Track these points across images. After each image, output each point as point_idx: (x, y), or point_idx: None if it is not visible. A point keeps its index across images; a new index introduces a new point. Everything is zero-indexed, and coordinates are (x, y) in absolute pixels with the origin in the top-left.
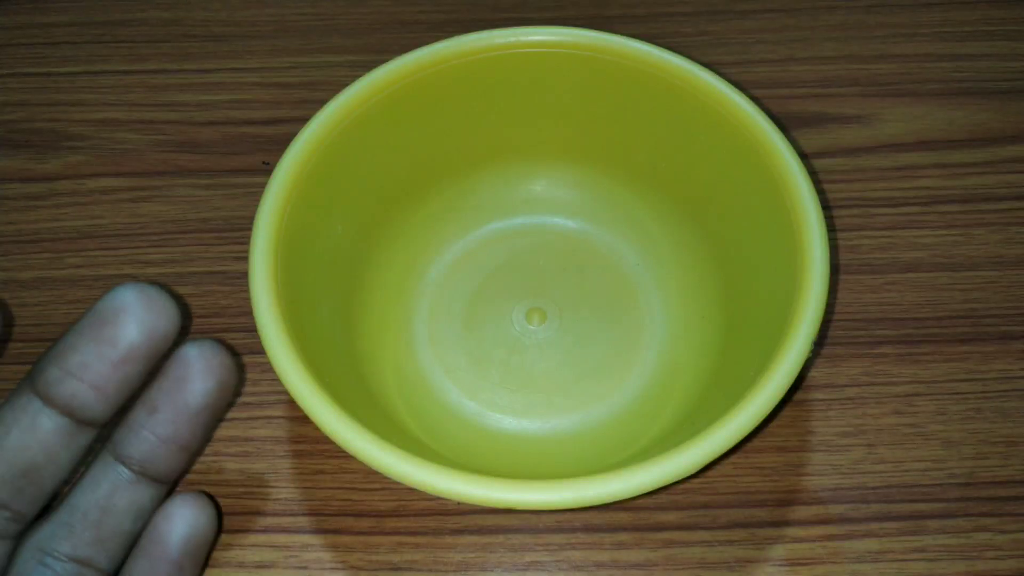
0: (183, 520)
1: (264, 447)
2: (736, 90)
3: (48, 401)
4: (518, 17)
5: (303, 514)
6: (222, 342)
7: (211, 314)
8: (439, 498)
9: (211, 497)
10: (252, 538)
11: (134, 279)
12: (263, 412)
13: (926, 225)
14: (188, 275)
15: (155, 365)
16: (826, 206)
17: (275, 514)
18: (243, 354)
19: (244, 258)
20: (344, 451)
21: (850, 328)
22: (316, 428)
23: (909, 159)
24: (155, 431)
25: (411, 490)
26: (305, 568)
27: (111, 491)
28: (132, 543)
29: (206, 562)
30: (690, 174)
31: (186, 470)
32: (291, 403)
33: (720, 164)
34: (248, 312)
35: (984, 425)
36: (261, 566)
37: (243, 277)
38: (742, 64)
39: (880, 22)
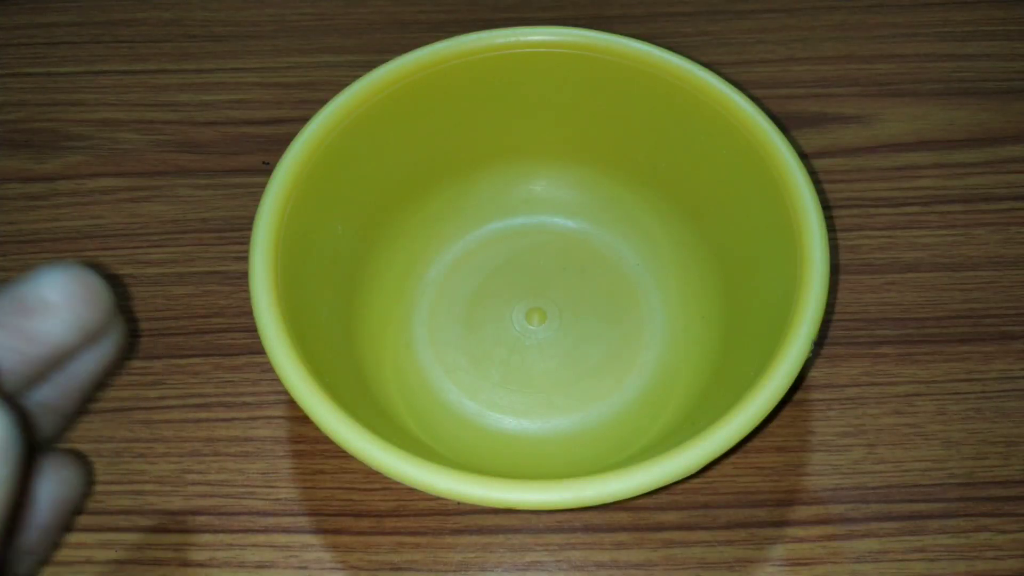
0: (54, 482)
1: (264, 447)
2: (736, 90)
3: None
4: (518, 17)
5: (303, 514)
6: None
7: (211, 314)
8: (439, 498)
9: (80, 454)
10: (252, 538)
11: (134, 279)
12: (263, 412)
13: (926, 225)
14: (188, 275)
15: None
16: (826, 206)
17: (275, 514)
18: (243, 354)
19: (244, 258)
20: (344, 451)
21: (850, 328)
22: (316, 428)
23: (909, 159)
24: (39, 399)
25: (411, 490)
26: (305, 568)
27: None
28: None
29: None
30: (690, 174)
31: (59, 438)
32: (291, 403)
33: (720, 164)
34: (248, 312)
35: (984, 425)
36: (261, 566)
37: (243, 277)
38: (742, 64)
39: (880, 22)
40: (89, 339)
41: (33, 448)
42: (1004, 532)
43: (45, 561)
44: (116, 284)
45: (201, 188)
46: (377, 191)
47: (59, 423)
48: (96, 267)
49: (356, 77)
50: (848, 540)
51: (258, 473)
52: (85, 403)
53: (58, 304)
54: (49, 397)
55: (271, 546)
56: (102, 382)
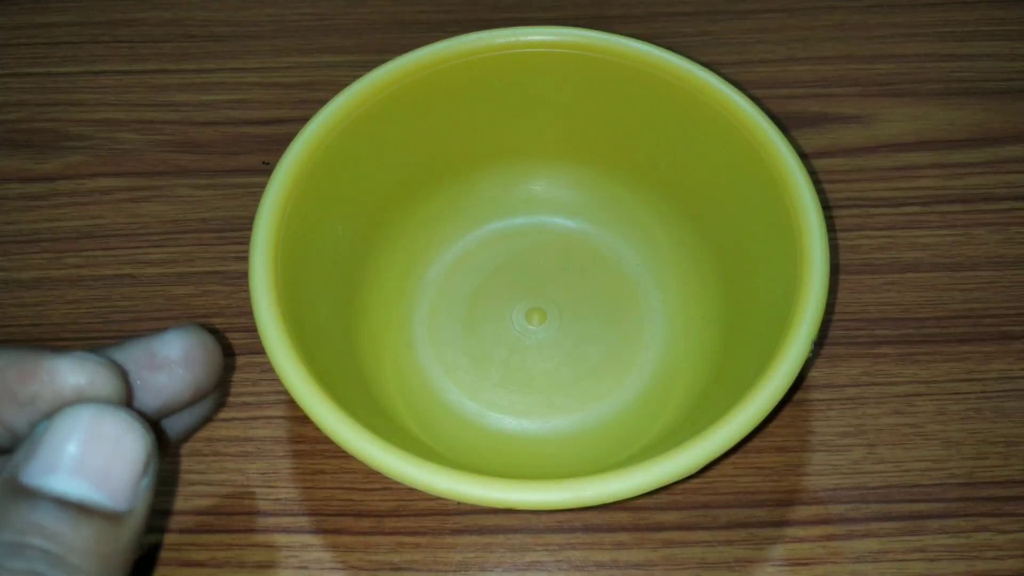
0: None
1: (264, 447)
2: (736, 90)
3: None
4: (518, 17)
5: (303, 514)
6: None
7: (211, 314)
8: (439, 498)
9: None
10: (252, 538)
11: (134, 279)
12: (263, 412)
13: (926, 225)
14: (188, 275)
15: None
16: (826, 206)
17: (275, 514)
18: (243, 354)
19: (244, 258)
20: (344, 451)
21: (850, 328)
22: (316, 428)
23: (909, 159)
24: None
25: (411, 490)
26: (305, 568)
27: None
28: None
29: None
30: (690, 174)
31: None
32: (291, 403)
33: (720, 164)
34: (248, 312)
35: (984, 425)
36: (261, 566)
37: (243, 277)
38: (742, 64)
39: (880, 22)
40: (198, 398)
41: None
42: (1004, 532)
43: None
44: (226, 349)
45: (201, 188)
46: (377, 191)
47: None
48: (216, 333)
49: (356, 77)
50: (848, 540)
51: (258, 473)
52: (173, 448)
53: (181, 364)
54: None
55: (271, 546)
56: (191, 435)
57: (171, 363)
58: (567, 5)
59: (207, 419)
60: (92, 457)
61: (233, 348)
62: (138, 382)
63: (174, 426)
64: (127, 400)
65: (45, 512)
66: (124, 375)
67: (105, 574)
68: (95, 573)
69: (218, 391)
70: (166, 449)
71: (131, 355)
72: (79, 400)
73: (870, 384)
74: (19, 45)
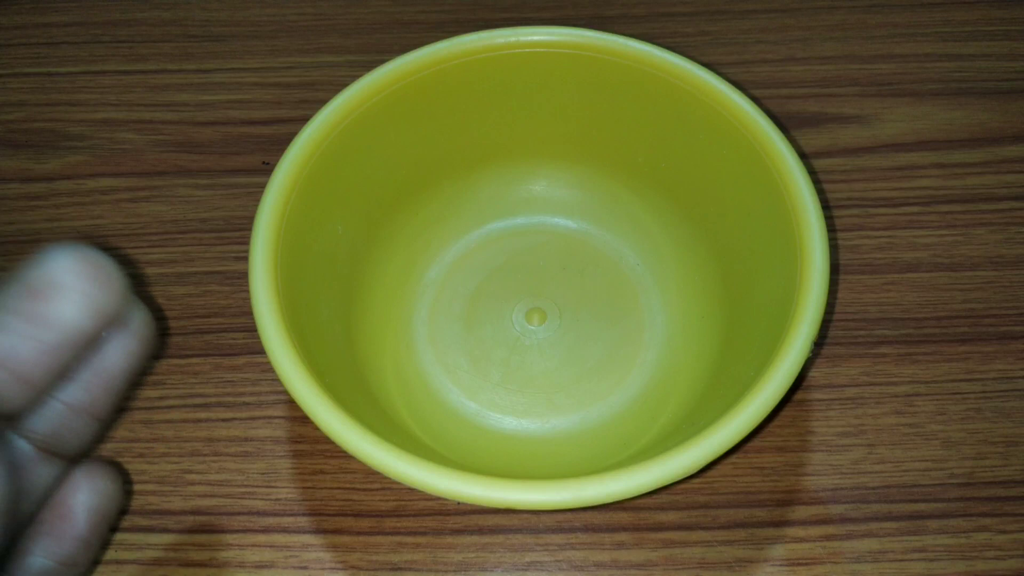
0: (91, 492)
1: (264, 447)
2: (736, 90)
3: None
4: (518, 17)
5: (303, 514)
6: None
7: (211, 314)
8: (439, 498)
9: (115, 463)
10: (252, 538)
11: (134, 279)
12: (263, 412)
13: (926, 225)
14: (188, 275)
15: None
16: (826, 206)
17: (275, 514)
18: (243, 354)
19: (244, 258)
20: (344, 451)
21: (850, 328)
22: (316, 428)
23: (909, 159)
24: (68, 399)
25: (411, 490)
26: (305, 568)
27: (8, 472)
28: (27, 524)
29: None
30: (690, 174)
31: (95, 445)
32: (291, 403)
33: (720, 164)
34: (248, 312)
35: (984, 425)
36: (261, 566)
37: (243, 277)
38: (742, 64)
39: (880, 22)
40: (106, 322)
41: (18, 479)
42: (1004, 532)
43: (87, 573)
44: (136, 272)
45: (201, 188)
46: (377, 191)
47: (93, 427)
48: (109, 251)
49: (356, 77)
50: (848, 540)
51: (258, 473)
52: (118, 404)
53: (67, 284)
54: (78, 397)
55: (271, 546)
56: (133, 379)
57: (54, 286)
58: (567, 5)
59: (142, 357)
60: None
61: (233, 349)
62: (24, 319)
63: (104, 369)
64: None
65: None
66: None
67: None
68: None
69: (137, 319)
70: (102, 411)
71: (11, 291)
72: None
73: (870, 384)
74: (19, 45)
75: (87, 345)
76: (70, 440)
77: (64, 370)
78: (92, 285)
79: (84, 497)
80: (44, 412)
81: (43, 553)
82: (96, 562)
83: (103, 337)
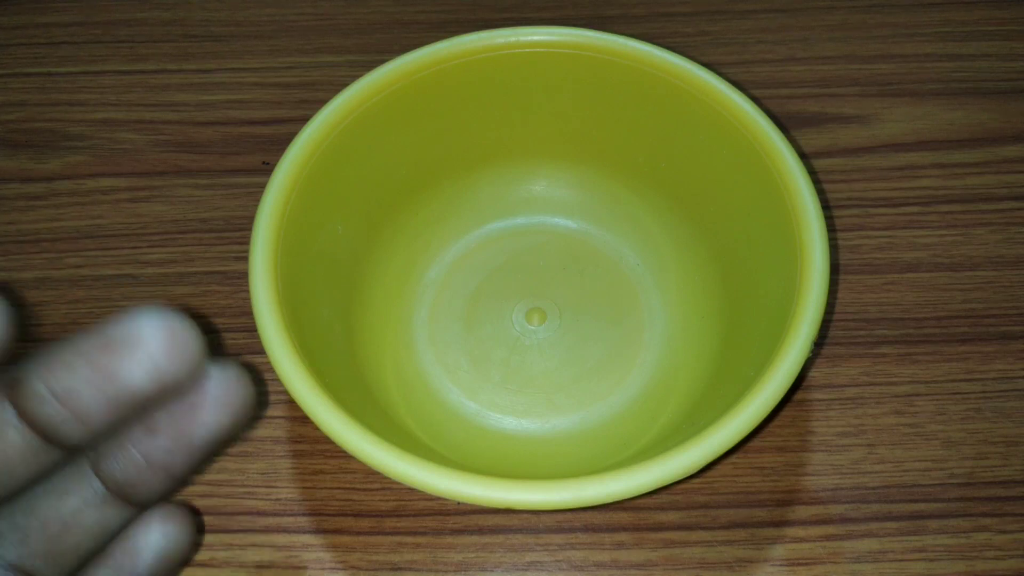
0: (161, 535)
1: (264, 447)
2: (736, 90)
3: (23, 415)
4: (518, 17)
5: (303, 514)
6: (250, 367)
7: (211, 314)
8: (439, 498)
9: (193, 510)
10: (252, 538)
11: (134, 279)
12: (263, 412)
13: (926, 225)
14: (188, 275)
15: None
16: (826, 206)
17: (275, 514)
18: (243, 354)
19: (244, 258)
20: (344, 451)
21: (850, 328)
22: (316, 428)
23: (909, 159)
24: (147, 454)
25: (411, 490)
26: (305, 568)
27: (79, 506)
28: (87, 561)
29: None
30: (690, 174)
31: (167, 498)
32: (291, 403)
33: (720, 164)
34: (248, 312)
35: (984, 425)
36: (261, 566)
37: (243, 277)
38: (742, 64)
39: (880, 22)
40: (169, 391)
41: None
42: (1004, 532)
43: None
44: (206, 331)
45: (201, 188)
46: (377, 191)
47: (167, 484)
48: (195, 316)
49: (356, 77)
50: (848, 540)
51: (258, 473)
52: (195, 467)
53: (136, 345)
54: (156, 454)
55: (271, 546)
56: (218, 447)
57: (125, 343)
58: (567, 5)
59: (239, 428)
60: None
61: (233, 349)
62: (91, 365)
63: (189, 433)
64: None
65: None
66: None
67: None
68: None
69: (231, 390)
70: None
71: (82, 339)
72: None
73: (870, 384)
74: (19, 45)
75: (150, 406)
76: (141, 492)
77: (123, 423)
78: (160, 352)
79: (154, 539)
80: (122, 459)
81: None
82: None
83: (196, 399)
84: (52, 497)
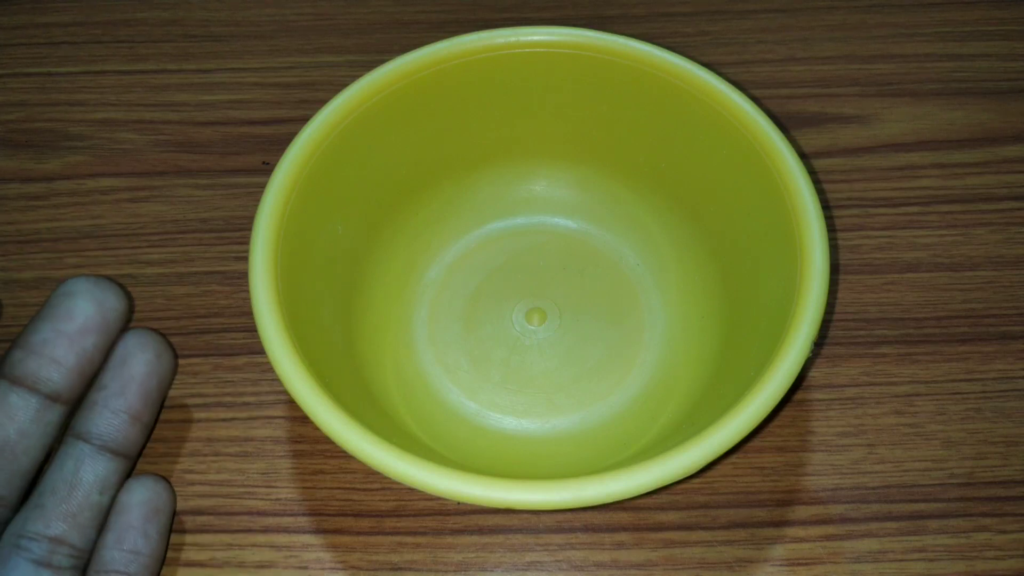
0: (142, 490)
1: (264, 447)
2: (736, 90)
3: (14, 381)
4: (518, 17)
5: (303, 514)
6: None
7: (211, 314)
8: (439, 498)
9: (164, 479)
10: (252, 538)
11: (134, 279)
12: (263, 412)
13: (926, 225)
14: (188, 275)
15: (108, 346)
16: (826, 206)
17: (275, 514)
18: (243, 354)
19: (244, 258)
20: (344, 451)
21: (850, 328)
22: (316, 428)
23: (909, 159)
24: (107, 404)
25: (411, 490)
26: (305, 568)
27: (75, 466)
28: (103, 517)
29: (169, 533)
30: (690, 174)
31: (143, 444)
32: (291, 403)
33: (720, 164)
34: (248, 312)
35: (984, 425)
36: (261, 566)
37: (243, 277)
38: (742, 64)
39: (880, 22)
40: (112, 315)
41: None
42: (1004, 532)
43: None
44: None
45: (201, 188)
46: (377, 191)
47: (135, 428)
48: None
49: (356, 77)
50: (848, 540)
51: (258, 473)
52: (154, 409)
53: (78, 292)
54: (117, 402)
55: (271, 546)
56: (163, 388)
57: (70, 295)
58: (567, 5)
59: (167, 368)
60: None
61: (233, 349)
62: (52, 319)
63: (134, 374)
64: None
65: None
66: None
67: None
68: None
69: (148, 335)
70: (133, 435)
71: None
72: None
73: (870, 384)
74: (19, 45)
75: (103, 336)
76: (118, 438)
77: (90, 358)
78: (97, 290)
79: (138, 494)
80: (91, 416)
81: (109, 545)
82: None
83: (123, 350)
84: (54, 471)
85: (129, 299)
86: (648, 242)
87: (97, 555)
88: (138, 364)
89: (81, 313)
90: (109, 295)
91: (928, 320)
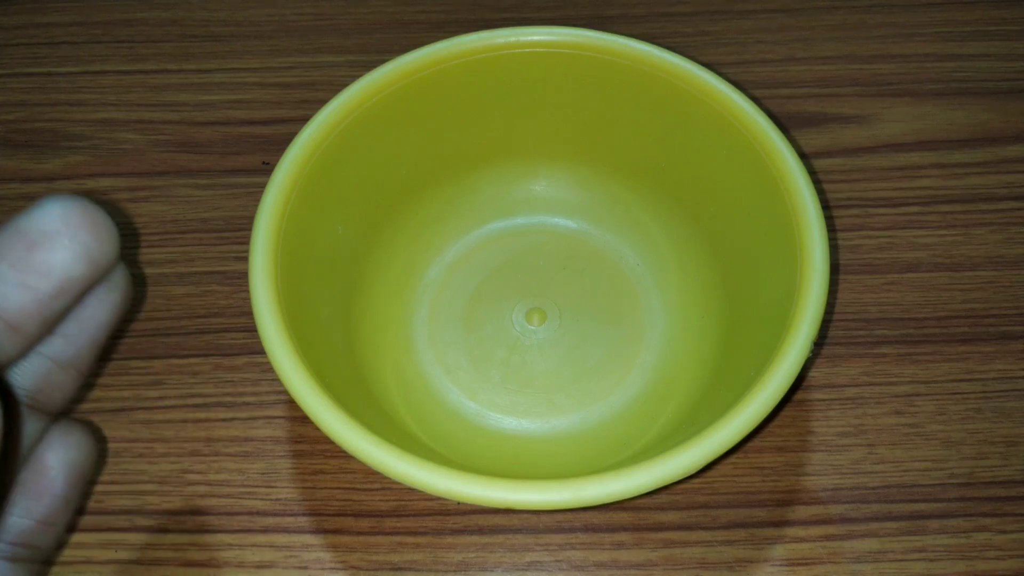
0: (67, 448)
1: (264, 447)
2: (736, 90)
3: None
4: (518, 17)
5: (303, 514)
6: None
7: (211, 314)
8: (439, 498)
9: (89, 423)
10: (252, 538)
11: (134, 279)
12: (263, 412)
13: (926, 225)
14: (188, 275)
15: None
16: (826, 206)
17: (275, 514)
18: (243, 354)
19: (244, 258)
20: (344, 451)
21: (850, 328)
22: (316, 428)
23: (909, 159)
24: (52, 354)
25: (411, 490)
26: (305, 568)
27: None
28: (9, 482)
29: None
30: (690, 174)
31: (76, 399)
32: (291, 403)
33: (720, 164)
34: (248, 312)
35: (984, 425)
36: (261, 566)
37: (243, 277)
38: (742, 64)
39: (880, 22)
40: (99, 272)
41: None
42: (1004, 532)
43: (65, 532)
44: (121, 224)
45: (201, 188)
46: (377, 191)
47: (74, 379)
48: (103, 204)
49: (356, 77)
50: (848, 540)
51: (258, 473)
52: (97, 357)
53: (61, 232)
54: (62, 351)
55: (271, 546)
56: (111, 333)
57: (48, 234)
58: (567, 5)
59: (121, 312)
60: None
61: (233, 349)
62: (22, 265)
63: (88, 322)
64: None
65: None
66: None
67: None
68: None
69: (119, 273)
70: (85, 363)
71: (4, 239)
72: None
73: (870, 384)
74: (19, 45)
75: (79, 295)
76: (53, 395)
77: (57, 322)
78: (83, 232)
79: (61, 453)
80: (28, 366)
81: (22, 513)
82: (73, 517)
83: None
84: None
85: (120, 228)
86: (648, 242)
87: (3, 520)
88: (100, 312)
89: (62, 269)
90: (103, 241)
91: (928, 320)
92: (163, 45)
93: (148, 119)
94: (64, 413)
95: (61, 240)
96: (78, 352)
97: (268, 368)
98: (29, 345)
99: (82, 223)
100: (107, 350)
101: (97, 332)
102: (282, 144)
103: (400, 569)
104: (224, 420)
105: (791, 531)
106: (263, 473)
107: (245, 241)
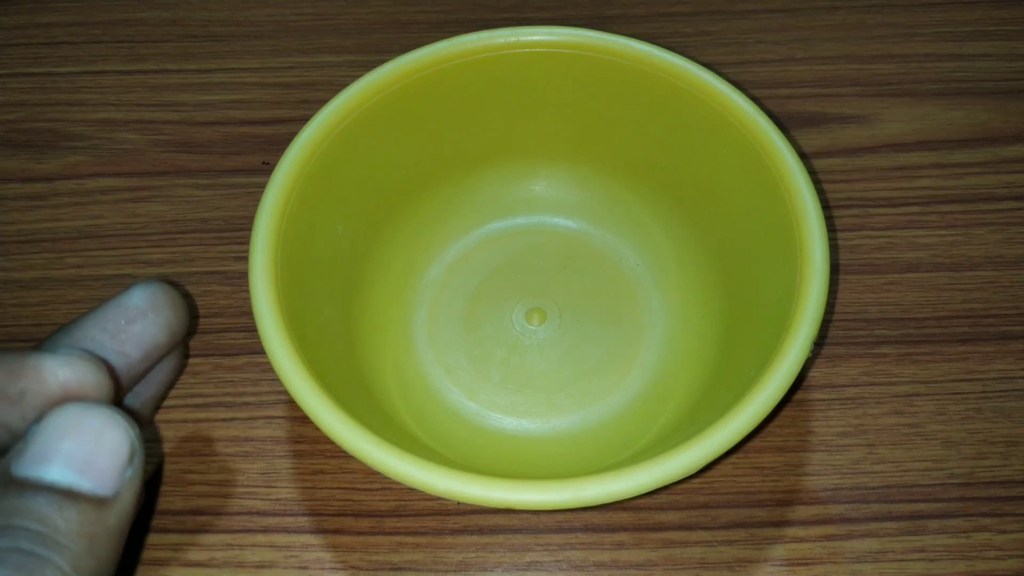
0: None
1: (264, 447)
2: (736, 90)
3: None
4: (518, 17)
5: (303, 514)
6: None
7: (211, 314)
8: (439, 498)
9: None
10: (252, 538)
11: (134, 279)
12: (263, 412)
13: (926, 225)
14: (188, 275)
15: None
16: (826, 206)
17: (275, 514)
18: (243, 354)
19: (244, 258)
20: (344, 451)
21: (850, 328)
22: (316, 428)
23: (909, 159)
24: (140, 394)
25: (411, 490)
26: (305, 568)
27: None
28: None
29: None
30: (690, 174)
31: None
32: (291, 403)
33: (720, 164)
34: (248, 312)
35: (984, 425)
36: (261, 566)
37: (243, 277)
38: (741, 64)
39: (880, 22)
40: (175, 343)
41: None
42: (1004, 532)
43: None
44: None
45: (201, 188)
46: (377, 191)
47: (152, 412)
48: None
49: (356, 77)
50: (848, 540)
51: (258, 473)
52: (156, 411)
53: (150, 309)
54: (131, 404)
55: (271, 546)
56: (167, 393)
57: (142, 311)
58: (567, 5)
59: (178, 371)
60: (77, 449)
61: (233, 349)
62: (121, 336)
63: (152, 384)
64: (113, 388)
65: (32, 498)
66: (105, 367)
67: (91, 553)
68: (80, 551)
69: (181, 345)
70: (147, 415)
71: (107, 315)
72: (65, 395)
73: (870, 384)
74: (19, 45)
75: (159, 361)
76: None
77: (135, 382)
78: (169, 311)
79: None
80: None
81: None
82: None
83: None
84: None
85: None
86: (648, 242)
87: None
88: (164, 372)
89: (151, 339)
90: (182, 320)
91: (928, 320)
92: (163, 45)
93: (148, 119)
94: None
95: (151, 316)
96: (143, 406)
97: (268, 368)
98: (117, 402)
99: (166, 302)
100: (158, 408)
101: (159, 390)
102: (282, 144)
103: (400, 569)
104: (224, 420)
105: (791, 531)
106: (263, 473)
107: (245, 241)
